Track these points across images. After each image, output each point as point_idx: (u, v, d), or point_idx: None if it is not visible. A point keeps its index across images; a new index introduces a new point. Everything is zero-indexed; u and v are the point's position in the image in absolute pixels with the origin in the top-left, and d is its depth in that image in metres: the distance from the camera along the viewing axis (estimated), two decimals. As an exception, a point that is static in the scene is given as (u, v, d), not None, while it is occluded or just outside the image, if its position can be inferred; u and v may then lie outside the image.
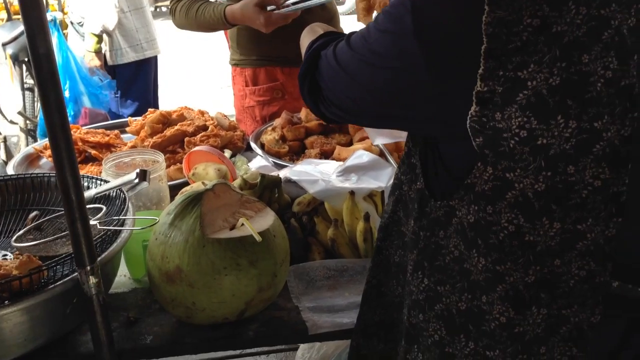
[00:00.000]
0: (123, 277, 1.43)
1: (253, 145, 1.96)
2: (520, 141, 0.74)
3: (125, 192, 1.36)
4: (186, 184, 1.70)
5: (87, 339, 1.18)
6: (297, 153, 2.02)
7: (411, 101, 0.84)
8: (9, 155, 3.07)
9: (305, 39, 1.21)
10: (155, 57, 3.70)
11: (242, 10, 2.03)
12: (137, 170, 1.36)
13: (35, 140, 3.53)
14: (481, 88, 0.74)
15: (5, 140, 2.99)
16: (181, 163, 1.84)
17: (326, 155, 1.93)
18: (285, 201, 1.51)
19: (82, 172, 1.89)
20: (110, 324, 1.10)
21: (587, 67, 0.71)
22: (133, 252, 1.38)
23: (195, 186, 1.57)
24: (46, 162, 2.02)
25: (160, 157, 1.59)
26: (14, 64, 3.18)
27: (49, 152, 2.02)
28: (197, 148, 1.66)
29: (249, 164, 1.82)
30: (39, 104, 3.46)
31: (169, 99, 5.01)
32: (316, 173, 1.51)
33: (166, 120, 2.00)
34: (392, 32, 0.83)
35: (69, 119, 3.17)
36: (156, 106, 3.84)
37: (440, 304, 0.89)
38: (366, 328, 1.14)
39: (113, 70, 3.47)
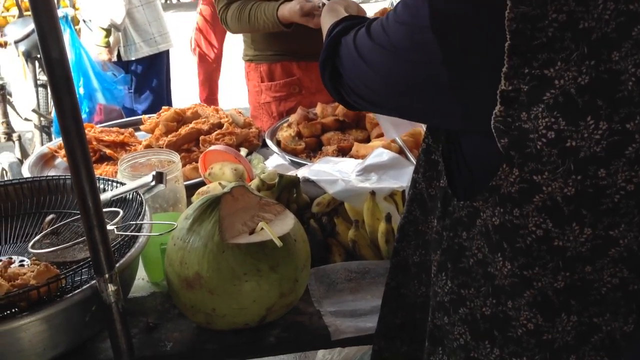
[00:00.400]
0: (141, 280, 1.41)
1: (269, 142, 1.94)
2: (548, 143, 0.70)
3: (141, 194, 1.34)
4: (202, 183, 1.68)
5: (107, 346, 1.16)
6: (313, 150, 1.99)
7: (429, 95, 0.82)
8: (24, 153, 3.07)
9: (326, 19, 1.19)
10: (168, 51, 3.67)
11: (291, 19, 2.01)
12: (153, 173, 1.33)
13: (50, 137, 3.53)
14: (505, 87, 0.70)
15: (20, 138, 2.98)
16: (197, 162, 1.82)
17: (344, 152, 1.90)
18: (304, 201, 1.48)
19: (97, 172, 1.88)
20: (130, 332, 1.08)
21: (617, 65, 0.67)
22: (151, 255, 1.36)
23: (212, 187, 1.55)
24: (61, 162, 2.01)
25: (176, 158, 1.56)
26: (26, 61, 3.17)
27: (63, 151, 2.01)
28: (212, 147, 1.63)
29: (265, 162, 1.79)
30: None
31: (182, 93, 4.99)
32: (335, 172, 1.48)
33: (180, 118, 1.97)
34: (409, 24, 0.80)
35: (84, 115, 3.17)
36: (170, 100, 3.82)
37: (464, 308, 0.86)
38: (388, 331, 1.11)
39: (126, 66, 3.45)
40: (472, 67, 0.74)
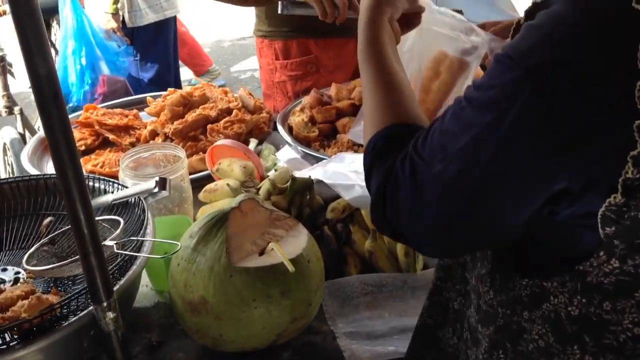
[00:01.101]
0: (145, 287, 1.34)
1: (280, 129, 1.83)
2: None
3: (144, 200, 1.25)
4: (209, 177, 1.58)
5: (108, 366, 1.10)
6: (327, 136, 1.89)
7: (511, 201, 0.68)
8: (27, 125, 2.96)
9: (365, 74, 0.96)
10: (174, 17, 3.52)
11: None
12: (156, 179, 1.24)
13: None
14: (632, 175, 0.59)
15: (22, 112, 2.87)
16: (204, 152, 1.72)
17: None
18: (317, 204, 1.39)
19: (99, 160, 1.79)
20: (131, 358, 1.02)
21: None
22: (155, 263, 1.28)
23: (220, 184, 1.45)
24: (62, 147, 1.92)
25: (182, 153, 1.46)
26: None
27: (65, 135, 1.91)
28: (221, 142, 1.53)
29: (276, 154, 1.69)
30: (56, 64, 3.33)
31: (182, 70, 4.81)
32: (351, 174, 1.38)
33: (187, 102, 1.86)
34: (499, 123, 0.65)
35: (87, 87, 3.06)
36: (177, 68, 3.69)
37: None
38: None
39: (131, 33, 3.30)
40: (585, 151, 0.62)
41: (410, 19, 1.15)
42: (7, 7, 2.83)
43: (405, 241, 0.83)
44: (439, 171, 0.70)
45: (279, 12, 1.82)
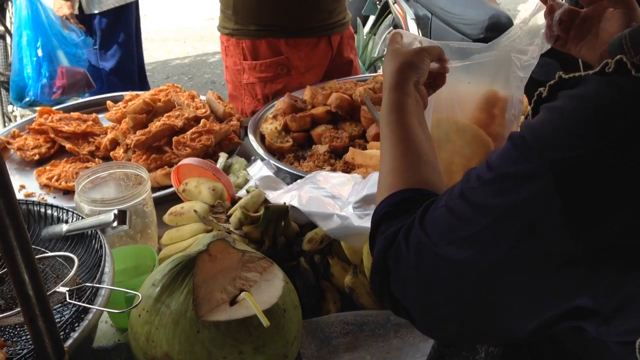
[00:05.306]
0: (104, 323, 1.22)
1: (252, 140, 1.71)
2: None
3: (101, 235, 1.13)
4: (175, 195, 1.47)
5: None
6: (302, 146, 1.78)
7: (533, 294, 0.61)
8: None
9: (385, 139, 0.92)
10: (136, 2, 3.31)
11: None
12: (115, 211, 1.12)
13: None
14: None
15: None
16: (169, 166, 1.60)
17: (337, 152, 1.69)
18: (293, 232, 1.28)
19: (55, 171, 1.65)
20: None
21: None
22: (115, 299, 1.16)
23: (187, 208, 1.34)
24: (15, 156, 1.77)
25: (144, 174, 1.34)
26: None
27: (17, 143, 1.77)
28: (187, 161, 1.40)
29: (248, 169, 1.57)
30: (12, 55, 3.13)
31: (151, 50, 4.58)
32: (329, 200, 1.27)
33: (151, 109, 1.72)
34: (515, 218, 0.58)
35: (44, 80, 2.86)
36: (141, 57, 3.50)
37: None
38: None
39: (89, 20, 3.09)
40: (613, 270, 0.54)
41: (435, 81, 1.08)
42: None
43: (405, 311, 0.75)
44: (443, 255, 0.63)
45: None
